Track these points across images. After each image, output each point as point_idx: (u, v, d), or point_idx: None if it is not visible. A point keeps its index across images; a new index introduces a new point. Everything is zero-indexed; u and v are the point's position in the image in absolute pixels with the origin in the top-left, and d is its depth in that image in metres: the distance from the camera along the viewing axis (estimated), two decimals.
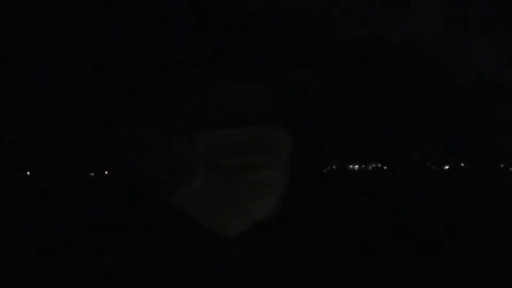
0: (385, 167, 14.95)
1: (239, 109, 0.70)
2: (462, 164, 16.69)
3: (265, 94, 0.71)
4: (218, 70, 0.72)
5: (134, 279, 0.75)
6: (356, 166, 14.26)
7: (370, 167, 14.62)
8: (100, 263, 0.79)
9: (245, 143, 0.69)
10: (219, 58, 0.72)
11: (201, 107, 0.70)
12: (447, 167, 16.27)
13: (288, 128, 0.73)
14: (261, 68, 0.72)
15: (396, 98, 14.58)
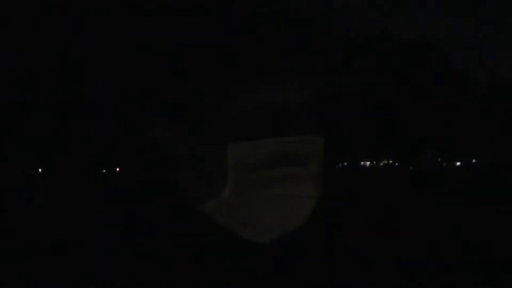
0: (396, 164, 14.89)
1: (274, 118, 0.68)
2: (474, 161, 16.58)
3: (301, 103, 0.68)
4: (252, 77, 0.69)
5: (157, 284, 0.73)
6: (368, 163, 14.20)
7: (381, 164, 14.56)
8: (122, 267, 0.77)
9: (279, 153, 0.66)
10: (254, 66, 0.69)
11: (236, 115, 0.67)
12: (458, 163, 16.16)
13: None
14: (292, 74, 0.69)
15: (407, 95, 14.53)
